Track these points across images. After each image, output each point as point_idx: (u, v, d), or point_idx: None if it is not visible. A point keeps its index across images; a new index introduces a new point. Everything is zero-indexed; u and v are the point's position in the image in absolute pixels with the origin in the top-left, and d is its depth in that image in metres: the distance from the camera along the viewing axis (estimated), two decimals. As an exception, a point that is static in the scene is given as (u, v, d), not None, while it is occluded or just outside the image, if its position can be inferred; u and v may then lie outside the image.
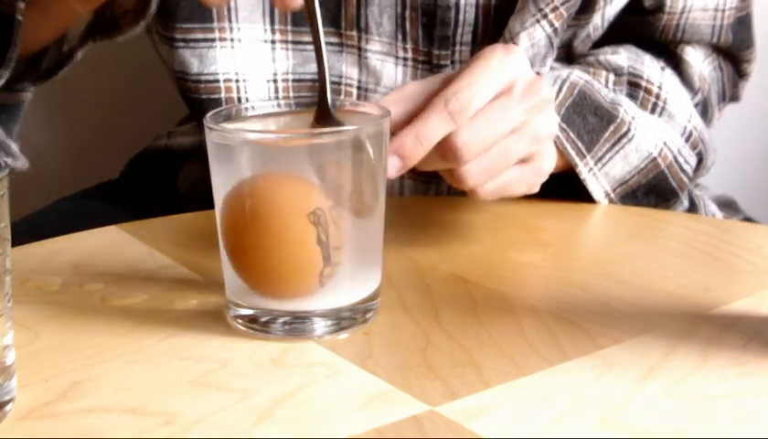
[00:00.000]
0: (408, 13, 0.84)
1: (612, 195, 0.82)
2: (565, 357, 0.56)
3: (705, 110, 0.94)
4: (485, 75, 0.66)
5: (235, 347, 0.57)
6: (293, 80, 0.86)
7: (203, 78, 0.85)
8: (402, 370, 0.54)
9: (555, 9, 0.83)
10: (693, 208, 0.91)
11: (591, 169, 0.81)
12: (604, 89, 0.84)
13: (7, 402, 0.50)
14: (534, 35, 0.83)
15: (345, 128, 0.58)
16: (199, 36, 0.84)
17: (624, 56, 0.88)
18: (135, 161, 1.04)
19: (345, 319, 0.59)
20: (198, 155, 0.96)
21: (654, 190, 0.84)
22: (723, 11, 0.90)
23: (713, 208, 0.95)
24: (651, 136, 0.84)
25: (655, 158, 0.84)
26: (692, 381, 0.53)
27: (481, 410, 0.50)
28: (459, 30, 0.84)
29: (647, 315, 0.61)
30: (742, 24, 0.93)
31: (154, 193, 0.98)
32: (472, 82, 0.65)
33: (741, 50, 0.95)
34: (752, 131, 1.44)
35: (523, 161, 0.70)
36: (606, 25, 0.89)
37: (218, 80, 0.85)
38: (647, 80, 0.86)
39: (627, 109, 0.83)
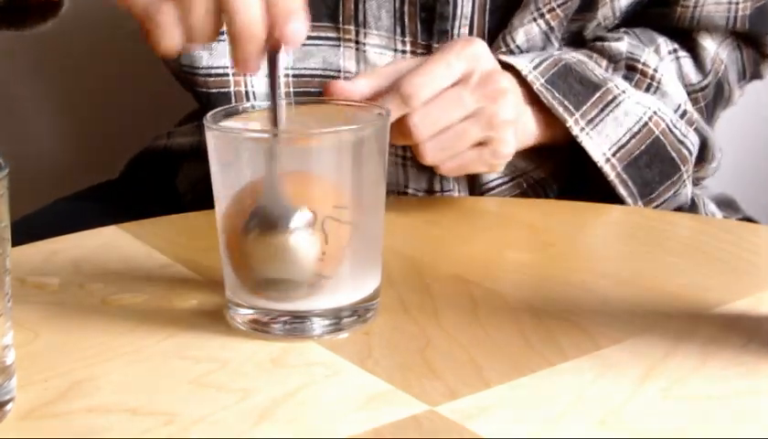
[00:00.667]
0: (406, 7, 0.85)
1: (612, 159, 0.83)
2: (565, 357, 0.56)
3: (719, 89, 0.95)
4: (440, 64, 0.73)
5: (235, 348, 0.57)
6: (294, 76, 0.86)
7: (212, 71, 0.85)
8: (402, 370, 0.54)
9: (552, 10, 0.85)
10: (693, 207, 0.91)
11: (582, 128, 0.82)
12: (599, 69, 0.86)
13: (7, 402, 0.50)
14: (530, 31, 0.85)
15: (345, 128, 0.58)
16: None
17: (625, 42, 0.89)
18: (135, 161, 1.04)
19: (345, 319, 0.59)
20: (198, 155, 0.96)
21: (655, 160, 0.84)
22: (738, 3, 0.91)
23: (713, 207, 0.95)
24: (640, 108, 0.85)
25: (646, 123, 0.84)
26: (692, 381, 0.53)
27: (481, 410, 0.50)
28: (457, 23, 0.85)
29: (647, 315, 0.61)
30: (762, 12, 0.94)
31: (153, 193, 0.98)
32: (426, 71, 0.72)
33: (761, 36, 0.96)
34: (752, 131, 1.44)
35: (482, 144, 0.76)
36: (620, 15, 0.90)
37: (227, 74, 0.85)
38: (644, 64, 0.88)
39: (618, 84, 0.85)
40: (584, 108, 0.83)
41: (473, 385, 0.53)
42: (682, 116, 0.88)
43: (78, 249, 0.72)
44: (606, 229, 0.79)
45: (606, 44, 0.89)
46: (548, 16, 0.85)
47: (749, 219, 0.96)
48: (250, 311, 0.59)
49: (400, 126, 0.72)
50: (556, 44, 0.88)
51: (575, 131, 0.82)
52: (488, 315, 0.61)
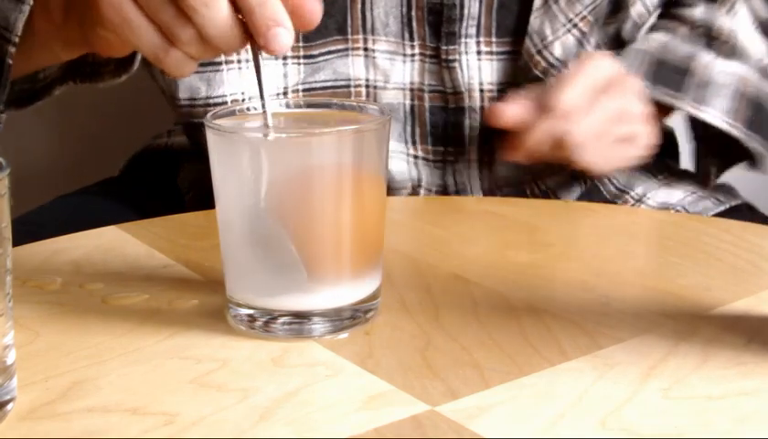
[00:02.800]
0: (414, 12, 0.85)
1: (734, 123, 0.88)
2: (565, 357, 0.56)
3: None
4: (580, 77, 0.81)
5: (235, 347, 0.57)
6: (304, 90, 0.87)
7: (211, 101, 0.86)
8: (402, 370, 0.54)
9: (583, 18, 0.88)
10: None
11: (695, 107, 0.87)
12: (682, 46, 0.92)
13: (8, 402, 0.50)
14: (566, 42, 0.88)
15: (345, 127, 0.58)
16: (205, 60, 0.85)
17: (700, 9, 0.95)
18: (135, 159, 1.04)
19: (345, 319, 0.59)
20: (198, 153, 0.96)
21: (763, 116, 0.90)
22: None
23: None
24: (728, 77, 0.90)
25: (738, 88, 0.90)
26: (692, 381, 0.53)
27: (481, 410, 0.50)
28: (464, 24, 0.86)
29: (647, 315, 0.61)
30: None
31: (154, 191, 0.98)
32: (569, 83, 0.81)
33: None
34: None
35: (626, 140, 0.85)
36: (653, 9, 0.94)
37: (225, 102, 0.86)
38: (718, 29, 0.94)
39: (703, 59, 0.91)
40: (689, 91, 0.88)
41: (473, 385, 0.53)
42: (764, 72, 0.94)
43: (78, 249, 0.72)
44: (606, 229, 0.79)
45: (681, 12, 0.95)
46: (580, 24, 0.88)
47: (749, 206, 0.97)
48: (250, 311, 0.59)
49: (559, 140, 0.81)
50: (590, 49, 0.90)
51: (692, 111, 0.87)
52: (488, 315, 0.61)
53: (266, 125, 0.59)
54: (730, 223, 0.80)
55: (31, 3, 0.70)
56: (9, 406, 0.50)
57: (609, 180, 0.98)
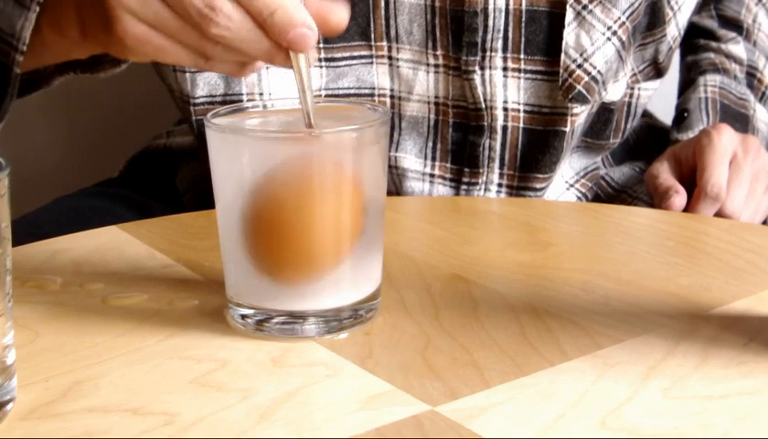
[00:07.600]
0: (437, 20, 0.84)
1: None
2: (565, 357, 0.56)
3: None
4: (718, 158, 0.86)
5: (235, 347, 0.57)
6: (326, 96, 0.86)
7: (228, 99, 0.85)
8: (402, 370, 0.54)
9: (622, 24, 0.87)
10: None
11: None
12: (734, 83, 0.99)
13: (8, 402, 0.50)
14: (606, 53, 0.87)
15: (345, 128, 0.58)
16: None
17: (741, 46, 1.02)
18: (134, 160, 1.04)
19: (345, 319, 0.59)
20: (198, 154, 0.96)
21: None
22: None
23: None
24: (765, 128, 1.00)
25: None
26: (692, 381, 0.53)
27: (481, 410, 0.50)
28: (489, 36, 0.84)
29: (647, 315, 0.61)
30: None
31: (153, 192, 0.98)
32: (713, 168, 0.86)
33: None
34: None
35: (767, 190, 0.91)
36: (683, 31, 0.95)
37: (241, 101, 0.85)
38: (761, 73, 1.03)
39: (751, 103, 0.99)
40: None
41: (473, 385, 0.53)
42: None
43: (78, 249, 0.72)
44: (606, 228, 0.79)
45: (726, 47, 1.02)
46: (619, 32, 0.86)
47: None
48: (251, 311, 0.59)
49: (719, 215, 0.87)
50: (629, 64, 0.90)
51: None
52: (488, 315, 0.61)
53: (310, 124, 0.58)
54: (730, 223, 0.80)
55: (37, 10, 0.66)
56: (9, 406, 0.50)
57: (607, 181, 0.98)
